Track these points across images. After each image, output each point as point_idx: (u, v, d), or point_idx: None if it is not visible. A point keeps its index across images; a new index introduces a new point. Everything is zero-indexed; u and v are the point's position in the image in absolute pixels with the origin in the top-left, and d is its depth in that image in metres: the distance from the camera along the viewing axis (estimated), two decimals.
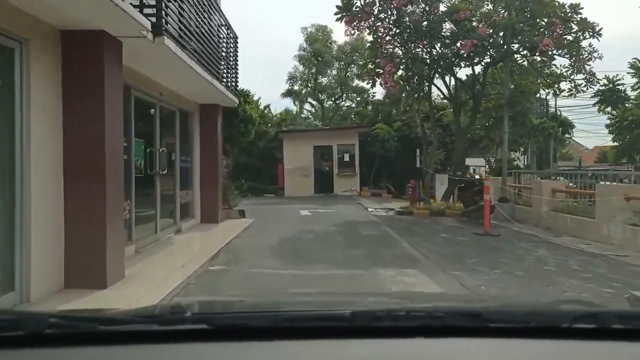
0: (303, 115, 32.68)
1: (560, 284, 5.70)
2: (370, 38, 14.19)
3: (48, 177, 4.53)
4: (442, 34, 12.98)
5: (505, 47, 12.58)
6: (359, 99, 29.28)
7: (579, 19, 12.16)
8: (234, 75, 10.49)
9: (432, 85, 15.09)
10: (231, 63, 10.33)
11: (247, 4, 56.61)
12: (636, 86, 16.25)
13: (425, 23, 12.85)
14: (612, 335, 1.00)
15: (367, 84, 15.03)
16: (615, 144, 20.06)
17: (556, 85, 13.96)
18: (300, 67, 30.14)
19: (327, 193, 20.33)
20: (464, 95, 15.18)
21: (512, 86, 13.68)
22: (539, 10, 11.85)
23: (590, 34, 12.19)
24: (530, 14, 11.91)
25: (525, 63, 13.77)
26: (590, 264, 6.96)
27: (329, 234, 9.62)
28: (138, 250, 6.80)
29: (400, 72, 14.17)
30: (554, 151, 22.27)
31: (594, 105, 13.56)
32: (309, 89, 30.61)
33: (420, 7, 13.01)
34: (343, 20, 13.11)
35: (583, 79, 12.99)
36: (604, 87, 12.93)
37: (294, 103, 31.98)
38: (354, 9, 12.97)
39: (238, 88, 11.10)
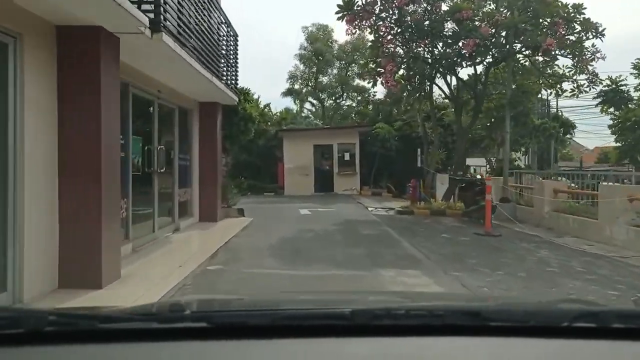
0: (303, 115, 32.60)
1: (564, 285, 5.61)
2: (371, 37, 14.11)
3: (42, 175, 4.44)
4: (444, 33, 12.88)
5: (507, 46, 12.48)
6: (359, 98, 29.19)
7: (582, 19, 12.06)
8: (233, 73, 10.40)
9: (434, 85, 15.01)
10: (231, 61, 10.24)
11: (247, 3, 56.56)
12: (639, 87, 16.18)
13: (427, 22, 12.76)
14: (612, 334, 0.99)
15: (368, 83, 14.95)
16: (618, 144, 19.95)
17: (558, 86, 13.86)
18: (301, 66, 30.07)
19: (327, 192, 20.25)
20: (465, 95, 15.09)
21: (514, 86, 13.58)
22: (542, 9, 11.75)
23: (594, 34, 12.09)
24: (533, 13, 11.81)
25: (528, 63, 13.68)
26: (594, 265, 6.88)
27: (329, 233, 9.54)
28: (135, 249, 6.72)
29: (401, 72, 14.08)
30: (554, 151, 22.17)
31: (596, 105, 13.47)
32: (309, 88, 30.52)
33: (422, 6, 12.92)
34: (344, 19, 13.02)
35: (586, 79, 12.90)
36: (606, 88, 12.82)
37: (295, 102, 31.91)
38: (355, 8, 12.88)
39: (238, 86, 11.02)
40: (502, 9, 12.52)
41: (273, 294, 3.08)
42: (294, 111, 31.62)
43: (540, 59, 13.13)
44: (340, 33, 47.52)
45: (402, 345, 0.96)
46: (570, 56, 12.47)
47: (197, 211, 10.24)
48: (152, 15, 4.98)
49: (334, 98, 30.54)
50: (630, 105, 15.30)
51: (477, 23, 12.38)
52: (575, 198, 10.60)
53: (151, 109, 7.81)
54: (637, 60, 16.45)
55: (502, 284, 5.63)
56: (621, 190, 8.88)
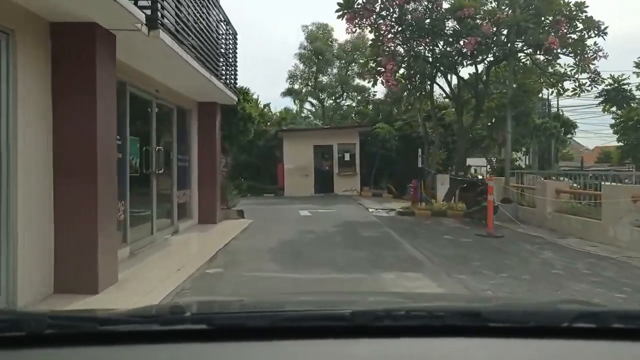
0: (303, 115, 32.48)
1: (569, 288, 5.50)
2: (371, 36, 14.00)
3: (37, 175, 4.33)
4: (445, 31, 12.77)
5: (509, 45, 12.37)
6: (359, 98, 29.08)
7: (584, 17, 11.97)
8: (233, 72, 10.29)
9: (435, 84, 14.90)
10: (230, 60, 10.12)
11: (247, 3, 56.44)
12: None
13: (427, 20, 12.65)
14: (612, 334, 0.99)
15: (368, 82, 14.83)
16: (620, 144, 19.83)
17: (560, 85, 13.75)
18: (301, 66, 29.96)
19: (327, 193, 20.14)
20: (466, 94, 14.98)
21: (515, 85, 13.48)
22: (544, 7, 11.64)
23: (596, 32, 11.99)
24: (535, 11, 11.69)
25: (529, 62, 13.57)
26: (598, 266, 6.77)
27: (330, 235, 9.42)
28: (133, 252, 6.60)
29: (402, 71, 13.96)
30: (556, 151, 22.07)
31: (598, 105, 13.35)
32: (309, 87, 30.40)
33: (423, 4, 12.81)
34: (344, 18, 12.91)
35: (588, 78, 12.80)
36: (609, 87, 12.71)
37: (294, 102, 31.79)
38: (355, 6, 12.78)
39: (237, 86, 10.91)
40: (503, 7, 12.41)
41: (273, 296, 3.06)
42: (294, 111, 31.50)
43: (542, 57, 13.03)
44: (341, 32, 47.49)
45: (403, 346, 0.95)
46: (572, 55, 12.37)
47: (196, 213, 10.12)
48: (149, 12, 4.87)
49: (333, 98, 30.42)
50: (632, 104, 15.21)
51: (478, 21, 12.26)
52: (577, 198, 10.49)
53: (149, 109, 7.69)
54: (639, 59, 16.37)
55: (506, 287, 5.52)
56: (625, 190, 8.77)
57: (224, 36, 9.62)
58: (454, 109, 15.59)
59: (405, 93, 15.37)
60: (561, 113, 21.92)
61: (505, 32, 12.30)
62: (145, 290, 4.79)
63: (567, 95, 13.87)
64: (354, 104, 29.87)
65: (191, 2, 6.93)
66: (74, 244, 4.51)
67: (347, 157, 20.77)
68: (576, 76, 12.89)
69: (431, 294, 4.79)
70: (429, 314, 1.04)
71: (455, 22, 12.57)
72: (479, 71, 13.84)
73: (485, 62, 13.33)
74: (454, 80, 14.71)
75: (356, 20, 12.99)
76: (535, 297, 5.16)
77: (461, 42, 12.45)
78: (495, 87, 14.95)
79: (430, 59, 13.71)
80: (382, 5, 12.87)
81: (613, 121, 18.57)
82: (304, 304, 1.48)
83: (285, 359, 0.94)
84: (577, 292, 5.32)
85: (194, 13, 7.09)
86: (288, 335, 0.96)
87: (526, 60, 13.62)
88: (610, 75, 12.89)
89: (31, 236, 4.25)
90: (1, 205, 3.97)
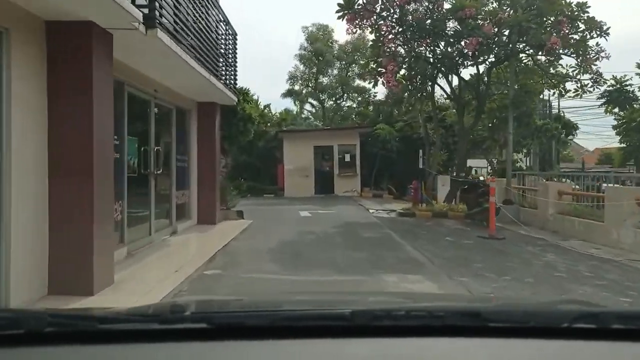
0: (303, 116, 32.38)
1: (573, 291, 5.42)
2: (372, 37, 13.93)
3: (31, 175, 4.26)
4: (446, 32, 12.69)
5: (510, 45, 12.30)
6: (359, 99, 28.99)
7: (585, 17, 11.90)
8: (232, 72, 10.22)
9: (436, 85, 14.82)
10: (230, 60, 10.05)
11: (247, 3, 56.41)
12: None
13: (428, 21, 12.58)
14: (612, 335, 0.99)
15: (369, 83, 14.77)
16: (623, 145, 19.73)
17: (562, 86, 13.67)
18: (301, 67, 29.86)
19: (327, 194, 20.06)
20: (467, 95, 14.90)
21: (517, 86, 13.40)
22: (546, 8, 11.57)
23: (598, 33, 11.91)
24: (537, 11, 11.62)
25: (531, 62, 13.49)
26: (602, 269, 6.69)
27: (330, 236, 9.34)
28: (130, 252, 6.52)
29: (402, 72, 13.89)
30: (557, 152, 21.99)
31: (600, 106, 13.28)
32: (309, 88, 30.32)
33: (424, 4, 12.74)
34: (345, 19, 12.84)
35: (590, 79, 12.71)
36: (611, 88, 12.64)
37: (295, 103, 31.71)
38: (356, 7, 12.71)
39: (237, 86, 10.84)
40: (505, 7, 12.33)
41: (273, 295, 3.04)
42: (294, 112, 31.42)
43: (543, 58, 12.96)
44: (341, 33, 47.37)
45: (402, 346, 0.95)
46: (574, 55, 12.28)
47: (195, 213, 10.04)
48: (146, 11, 4.79)
49: (334, 99, 30.33)
50: (635, 106, 15.11)
51: (479, 22, 12.19)
52: (579, 200, 10.41)
53: (148, 108, 7.61)
54: None
55: (509, 290, 5.44)
56: (629, 192, 8.69)
57: (223, 36, 9.56)
58: (454, 110, 15.52)
59: (406, 94, 15.29)
60: (562, 114, 21.86)
61: (506, 32, 12.22)
62: (141, 291, 4.72)
63: (569, 97, 13.79)
64: (354, 105, 29.79)
65: (190, 1, 6.86)
66: (69, 245, 4.44)
67: (347, 158, 20.68)
68: (578, 77, 12.81)
69: (431, 294, 4.74)
70: (428, 314, 1.04)
71: (456, 23, 12.50)
72: (480, 72, 13.77)
73: (487, 62, 13.25)
74: (455, 81, 14.66)
75: (357, 21, 12.92)
76: (535, 298, 5.09)
77: (462, 43, 12.38)
78: (496, 88, 14.87)
79: (431, 60, 13.64)
80: (382, 6, 12.80)
81: (614, 123, 18.50)
82: (304, 303, 1.47)
83: (285, 358, 0.94)
84: (581, 295, 5.22)
85: (193, 13, 7.01)
86: (287, 334, 0.96)
87: (528, 61, 13.54)
88: (613, 76, 12.82)
89: (25, 236, 4.17)
90: None
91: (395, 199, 17.42)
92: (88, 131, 4.46)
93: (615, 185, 10.42)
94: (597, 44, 11.98)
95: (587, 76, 12.66)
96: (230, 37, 10.05)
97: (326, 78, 29.87)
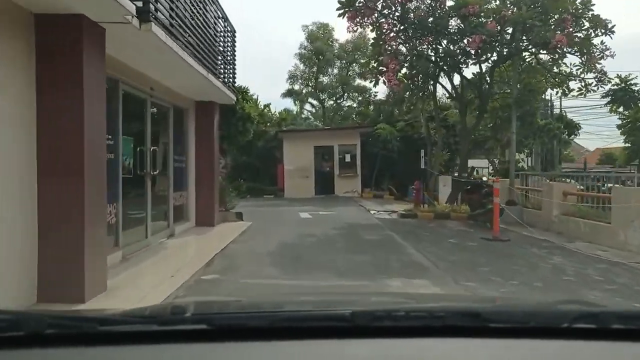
0: (303, 116, 32.16)
1: (584, 297, 5.20)
2: (373, 35, 13.72)
3: (19, 175, 4.06)
4: (449, 30, 12.48)
5: (514, 44, 12.09)
6: (360, 98, 28.78)
7: (590, 15, 11.69)
8: (231, 70, 10.00)
9: (437, 84, 14.62)
10: (228, 58, 9.84)
11: (247, 3, 56.18)
12: None
13: (430, 19, 12.37)
14: (612, 335, 0.99)
15: (370, 82, 14.54)
16: (627, 145, 19.54)
17: (565, 85, 13.46)
18: (301, 66, 29.67)
19: (327, 194, 19.87)
20: (470, 94, 14.70)
21: (520, 85, 13.19)
22: (551, 5, 11.37)
23: (602, 31, 11.71)
24: (541, 9, 11.42)
25: (534, 61, 13.28)
26: (611, 272, 6.50)
27: (331, 238, 9.14)
28: (125, 256, 6.31)
29: (404, 70, 13.68)
30: (559, 152, 21.81)
31: (605, 105, 13.07)
32: (309, 88, 30.12)
33: (426, 2, 12.52)
34: (345, 16, 12.63)
35: (594, 77, 12.50)
36: (615, 87, 12.45)
37: (295, 103, 31.50)
38: (357, 5, 12.49)
39: (236, 85, 10.63)
40: (508, 4, 12.12)
41: (273, 296, 3.02)
42: (294, 112, 31.21)
43: (548, 57, 12.76)
44: (341, 32, 47.22)
45: (403, 347, 0.96)
46: (578, 54, 12.08)
47: (193, 215, 9.83)
48: (140, 4, 4.58)
49: (334, 98, 30.12)
50: None
51: (482, 19, 11.98)
52: (584, 201, 10.21)
53: (144, 107, 7.40)
54: None
55: (518, 295, 5.24)
56: (637, 193, 8.50)
57: (222, 33, 9.34)
58: (456, 110, 15.32)
59: (408, 93, 15.08)
60: (564, 114, 21.68)
61: (510, 30, 12.02)
62: (135, 298, 4.51)
63: (573, 96, 13.57)
64: (354, 105, 29.58)
65: None
66: (59, 249, 4.23)
67: (347, 158, 20.49)
68: (582, 76, 12.60)
69: (431, 294, 4.64)
70: (429, 315, 1.04)
71: (458, 21, 12.29)
72: (483, 71, 13.56)
73: (490, 61, 13.04)
74: (457, 80, 14.44)
75: (357, 19, 12.71)
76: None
77: (465, 41, 12.17)
78: (499, 87, 14.67)
79: (433, 58, 13.43)
80: (384, 4, 12.58)
81: (616, 122, 18.35)
82: (304, 304, 1.47)
83: (285, 359, 0.94)
84: (594, 301, 5.03)
85: (190, 8, 6.80)
86: (288, 335, 0.96)
87: (531, 60, 13.33)
88: (617, 74, 12.60)
89: (12, 241, 3.97)
90: None
91: (396, 199, 17.23)
92: (78, 129, 4.25)
93: (616, 185, 10.22)
94: (602, 42, 11.79)
95: (591, 75, 12.46)
96: (229, 35, 9.84)
97: (326, 77, 29.71)
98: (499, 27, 11.78)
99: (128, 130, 6.67)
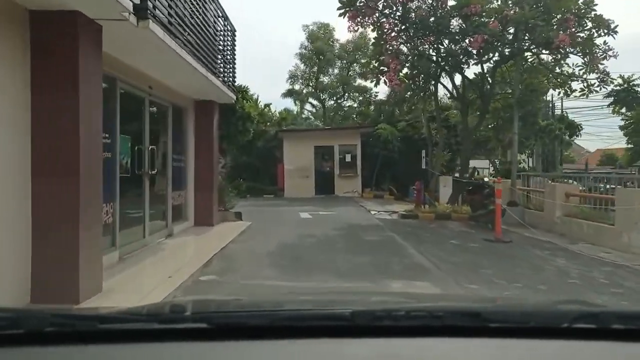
0: (304, 116, 32.07)
1: (591, 300, 5.12)
2: (374, 35, 13.63)
3: (13, 175, 3.96)
4: (450, 29, 12.39)
5: (516, 43, 12.00)
6: (361, 98, 28.70)
7: (593, 15, 11.60)
8: (231, 69, 9.91)
9: (439, 84, 14.52)
10: (228, 57, 9.75)
11: (247, 3, 56.08)
12: None
13: (432, 19, 12.27)
14: (612, 335, 0.99)
15: (371, 82, 14.44)
16: (630, 146, 19.44)
17: (567, 85, 13.37)
18: (302, 66, 29.60)
19: (327, 194, 19.77)
20: (471, 95, 14.60)
21: (522, 86, 13.10)
22: (554, 5, 11.27)
23: (605, 31, 11.62)
24: (544, 8, 11.32)
25: (536, 61, 13.19)
26: (616, 275, 6.40)
27: (331, 239, 9.05)
28: (122, 257, 6.22)
29: (405, 70, 13.59)
30: (560, 153, 21.73)
31: (608, 106, 12.99)
32: (310, 88, 30.03)
33: (427, 1, 12.44)
34: (346, 16, 12.54)
35: (596, 78, 12.41)
36: (618, 87, 12.36)
37: (295, 103, 31.41)
38: (357, 4, 12.41)
39: (236, 84, 10.54)
40: (510, 4, 12.02)
41: (273, 295, 3.04)
42: (294, 112, 31.11)
43: (550, 57, 12.66)
44: (342, 32, 47.11)
45: (402, 346, 0.96)
46: (581, 54, 11.99)
47: (192, 215, 9.74)
48: (137, 0, 4.49)
49: (335, 98, 30.04)
50: None
51: (484, 19, 11.88)
52: (586, 202, 10.11)
53: (142, 106, 7.30)
54: None
55: (522, 298, 5.14)
56: None
57: (221, 32, 9.25)
58: (458, 110, 15.23)
59: (409, 93, 14.98)
60: (565, 115, 21.61)
61: (512, 30, 11.93)
62: (131, 300, 4.41)
63: (575, 96, 13.48)
64: (355, 105, 29.50)
65: None
66: (53, 250, 4.14)
67: (348, 158, 20.41)
68: (584, 76, 12.51)
69: (431, 294, 4.59)
70: (428, 314, 1.04)
71: (460, 20, 12.20)
72: (485, 71, 13.46)
73: (492, 61, 12.95)
74: (459, 80, 14.35)
75: (358, 19, 12.62)
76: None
77: (467, 41, 12.07)
78: (500, 88, 14.58)
79: (435, 58, 13.34)
80: (385, 3, 12.49)
81: (617, 123, 18.22)
82: (304, 303, 1.47)
83: (285, 358, 0.94)
84: (601, 304, 4.94)
85: (189, 6, 6.71)
86: (288, 334, 0.96)
87: (533, 60, 13.24)
88: (620, 75, 12.53)
89: (5, 241, 3.88)
90: None
91: (397, 200, 17.14)
92: (74, 129, 4.16)
93: (619, 186, 10.12)
94: (605, 43, 11.70)
95: (593, 75, 12.37)
96: (229, 34, 9.75)
97: (327, 77, 29.64)
98: (501, 27, 11.69)
99: (126, 129, 6.58)
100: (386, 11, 12.64)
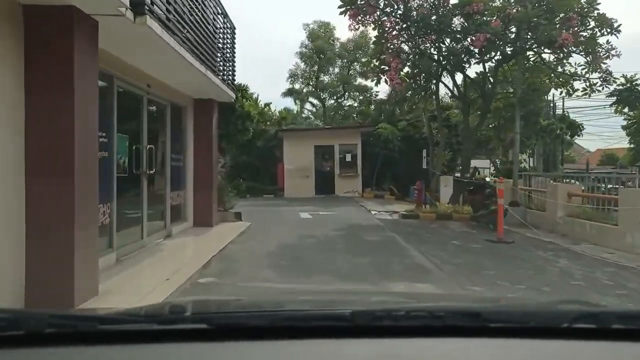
0: (304, 115, 31.97)
1: (594, 302, 5.03)
2: (375, 33, 13.53)
3: (5, 175, 3.86)
4: (452, 28, 12.28)
5: (518, 42, 11.90)
6: (361, 97, 28.59)
7: (596, 14, 11.50)
8: (230, 68, 9.81)
9: (440, 83, 14.41)
10: (228, 55, 9.65)
11: (247, 3, 55.96)
12: None
13: (434, 17, 12.17)
14: (612, 335, 0.99)
15: (372, 81, 14.33)
16: (632, 146, 19.34)
17: (569, 85, 13.26)
18: (302, 65, 29.48)
19: (328, 194, 19.68)
20: (473, 94, 14.50)
21: (524, 85, 12.99)
22: (556, 3, 11.17)
23: (608, 30, 11.52)
24: (547, 7, 11.22)
25: (539, 60, 13.08)
26: (620, 276, 6.31)
27: (331, 239, 8.96)
28: (120, 258, 6.12)
29: (406, 69, 13.49)
30: (561, 153, 21.62)
31: (610, 105, 12.89)
32: (310, 87, 29.92)
33: (429, 0, 12.34)
34: (347, 14, 12.45)
35: (599, 77, 12.30)
36: (621, 87, 12.26)
37: (295, 102, 31.30)
38: (359, 2, 12.31)
39: (235, 83, 10.44)
40: (512, 2, 11.92)
41: (273, 295, 2.99)
42: (295, 112, 31.00)
43: (552, 56, 12.56)
44: (343, 30, 47.00)
45: (402, 347, 0.96)
46: (583, 53, 11.89)
47: (191, 215, 9.64)
48: None
49: (335, 98, 29.93)
50: None
51: (486, 18, 11.78)
52: (588, 202, 10.02)
53: (140, 104, 7.21)
54: None
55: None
56: None
57: (221, 30, 9.15)
58: (458, 109, 15.14)
59: (410, 92, 14.88)
60: (567, 114, 21.49)
61: (514, 29, 11.83)
62: (127, 303, 4.31)
63: (577, 96, 13.36)
64: (355, 104, 29.39)
65: None
66: (48, 252, 4.04)
67: (348, 158, 20.31)
68: (587, 76, 12.40)
69: (431, 294, 4.55)
70: (429, 314, 1.04)
71: (462, 19, 12.10)
72: (487, 70, 13.36)
73: (493, 60, 12.84)
74: (460, 79, 14.24)
75: (359, 17, 12.52)
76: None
77: (469, 39, 11.97)
78: (502, 87, 14.48)
79: (436, 57, 13.24)
80: (386, 2, 12.39)
81: (618, 123, 18.13)
82: (304, 303, 1.46)
83: (285, 358, 0.94)
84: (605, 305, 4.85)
85: (188, 3, 6.61)
86: (288, 334, 0.96)
87: (535, 59, 13.13)
88: (623, 74, 12.41)
89: (0, 244, 3.79)
90: None
91: (397, 200, 17.04)
92: (69, 128, 4.06)
93: (621, 186, 10.04)
94: (608, 42, 11.60)
95: (596, 75, 12.27)
96: (229, 32, 9.65)
97: (327, 76, 29.52)
98: (503, 26, 11.59)
99: (123, 127, 6.48)
100: (387, 9, 12.55)
